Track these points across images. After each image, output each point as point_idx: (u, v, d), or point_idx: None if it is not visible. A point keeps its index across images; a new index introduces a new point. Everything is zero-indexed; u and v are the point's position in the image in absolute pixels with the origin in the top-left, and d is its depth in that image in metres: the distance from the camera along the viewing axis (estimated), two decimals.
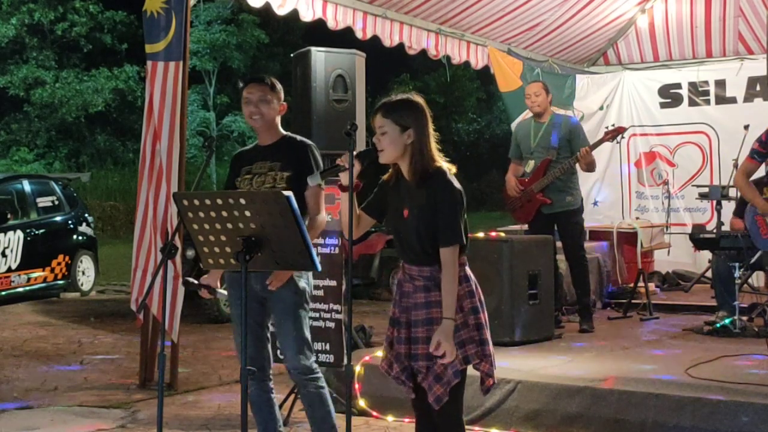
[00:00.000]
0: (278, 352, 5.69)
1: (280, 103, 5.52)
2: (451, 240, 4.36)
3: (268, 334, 5.47)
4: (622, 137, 9.37)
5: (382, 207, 4.64)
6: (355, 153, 4.43)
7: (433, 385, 4.36)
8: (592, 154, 8.77)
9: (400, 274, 4.58)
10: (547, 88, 9.09)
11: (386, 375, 4.62)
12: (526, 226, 9.33)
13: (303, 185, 5.15)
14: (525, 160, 8.98)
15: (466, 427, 4.64)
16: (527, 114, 11.40)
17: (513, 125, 12.32)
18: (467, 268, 4.49)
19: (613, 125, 9.57)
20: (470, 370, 4.49)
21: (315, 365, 5.38)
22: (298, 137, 5.55)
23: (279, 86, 5.55)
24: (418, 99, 4.57)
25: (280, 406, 6.11)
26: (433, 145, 4.49)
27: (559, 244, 8.98)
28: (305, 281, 5.36)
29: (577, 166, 8.78)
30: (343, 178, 4.44)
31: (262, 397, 5.40)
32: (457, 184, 4.43)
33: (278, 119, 5.53)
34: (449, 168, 4.49)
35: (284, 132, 5.56)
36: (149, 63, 8.12)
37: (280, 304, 5.30)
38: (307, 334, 5.36)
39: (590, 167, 8.89)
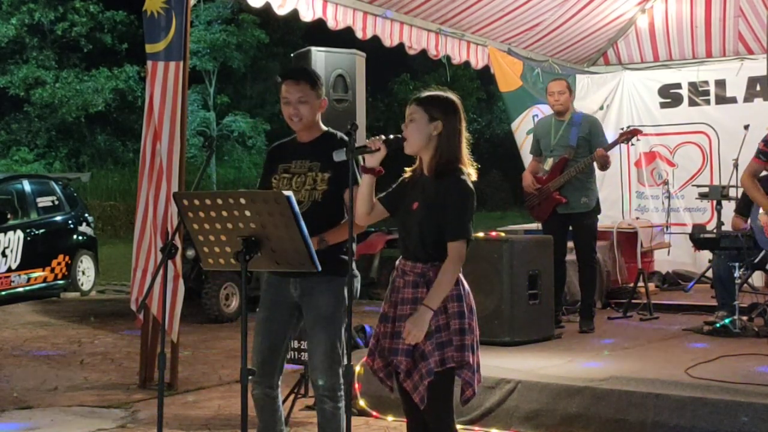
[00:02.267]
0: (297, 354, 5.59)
1: (320, 100, 5.28)
2: (458, 234, 4.35)
3: (288, 344, 5.28)
4: (638, 139, 9.37)
5: (397, 202, 4.61)
6: (383, 139, 4.42)
7: (418, 384, 4.34)
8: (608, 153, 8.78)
9: (395, 270, 4.58)
10: (571, 87, 9.08)
11: (369, 369, 4.60)
12: (531, 226, 9.33)
13: (343, 186, 4.95)
14: (544, 158, 8.98)
15: (466, 427, 4.64)
16: (529, 112, 11.42)
17: (513, 125, 12.36)
18: (460, 274, 4.46)
19: (628, 127, 9.56)
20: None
21: (341, 381, 5.06)
22: (339, 134, 5.26)
23: (320, 80, 5.32)
24: (455, 98, 4.56)
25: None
26: (464, 147, 4.49)
27: (570, 244, 8.98)
28: (348, 291, 4.93)
29: (595, 164, 8.78)
30: (368, 159, 4.43)
31: (266, 401, 5.21)
32: (470, 184, 4.43)
33: (319, 115, 5.29)
34: (470, 173, 4.47)
35: (324, 127, 5.32)
36: (149, 63, 8.11)
37: (316, 313, 5.07)
38: (340, 348, 5.07)
39: (605, 167, 8.86)
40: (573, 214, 8.79)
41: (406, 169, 4.63)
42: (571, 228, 8.89)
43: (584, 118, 9.04)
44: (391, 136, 4.49)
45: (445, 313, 4.36)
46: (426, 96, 4.52)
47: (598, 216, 9.09)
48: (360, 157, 4.58)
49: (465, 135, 4.51)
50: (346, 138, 5.12)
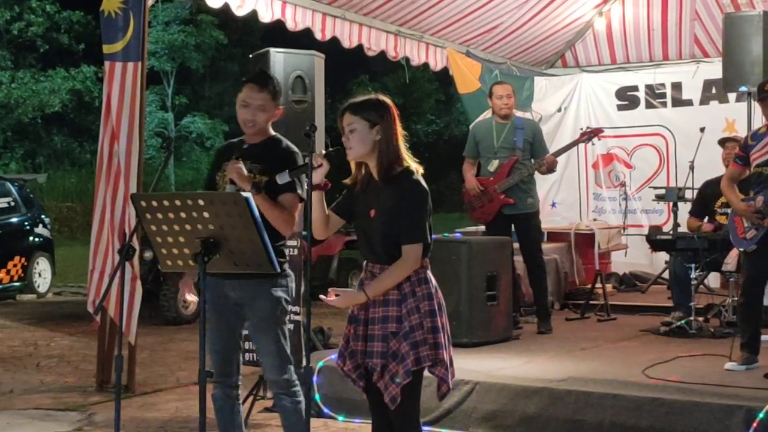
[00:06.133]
0: (244, 355, 5.62)
1: (277, 109, 5.29)
2: (413, 237, 4.37)
3: (240, 342, 5.32)
4: (599, 139, 9.47)
5: (351, 208, 4.63)
6: (324, 153, 4.44)
7: (388, 384, 4.35)
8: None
9: (363, 273, 4.58)
10: (514, 91, 9.21)
11: (340, 371, 4.62)
12: (483, 227, 9.37)
13: (279, 191, 5.01)
14: (488, 160, 9.01)
15: (425, 428, 4.65)
16: (486, 114, 11.46)
17: (472, 127, 12.39)
18: (429, 272, 4.49)
19: (588, 127, 9.67)
20: (428, 373, 4.49)
21: (294, 377, 5.21)
22: (284, 142, 5.31)
23: (280, 89, 5.34)
24: (385, 98, 4.58)
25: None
26: (402, 145, 4.50)
27: (516, 245, 9.03)
28: (283, 290, 5.16)
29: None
30: (312, 176, 4.44)
31: (226, 403, 5.25)
32: (423, 184, 4.45)
33: (270, 122, 5.31)
34: (417, 169, 4.50)
35: (272, 132, 5.33)
36: (107, 63, 8.07)
37: (256, 316, 5.14)
38: (287, 345, 5.18)
39: (551, 170, 9.05)
40: (520, 215, 8.87)
41: (345, 181, 4.64)
42: (515, 229, 8.96)
43: (526, 122, 9.26)
44: (332, 149, 4.51)
45: (417, 313, 4.38)
46: (360, 103, 4.51)
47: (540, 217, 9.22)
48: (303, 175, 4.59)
49: (401, 133, 4.53)
50: (292, 148, 5.26)
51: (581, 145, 9.44)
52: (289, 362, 5.20)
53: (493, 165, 8.96)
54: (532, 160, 8.87)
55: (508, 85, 9.30)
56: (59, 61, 34.83)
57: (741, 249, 7.13)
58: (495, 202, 8.86)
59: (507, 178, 8.80)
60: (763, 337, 7.47)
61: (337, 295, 4.44)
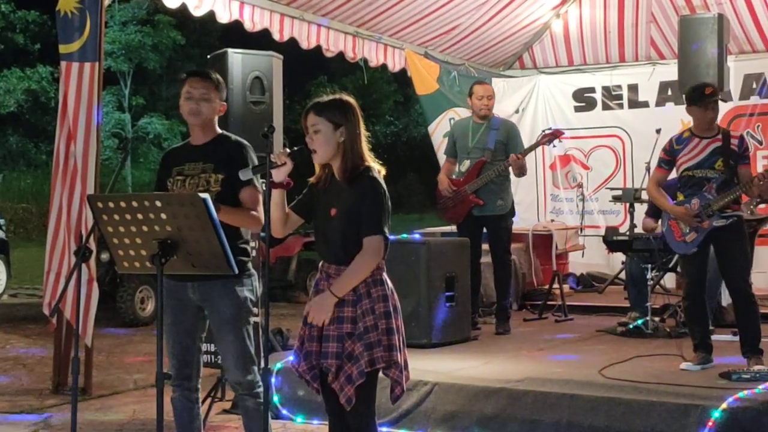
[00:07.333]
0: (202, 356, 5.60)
1: (221, 103, 5.30)
2: (374, 228, 4.36)
3: (200, 345, 5.29)
4: (560, 141, 9.48)
5: (311, 207, 4.62)
6: (288, 151, 4.43)
7: (344, 386, 4.35)
8: (524, 158, 8.88)
9: (318, 273, 4.57)
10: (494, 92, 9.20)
11: (295, 372, 4.60)
12: (448, 228, 9.38)
13: (238, 187, 5.03)
14: (461, 160, 9.01)
15: (384, 429, 4.65)
16: (445, 115, 11.49)
17: (430, 128, 12.41)
18: (384, 274, 4.48)
19: (549, 128, 9.69)
20: (383, 375, 4.48)
21: (258, 378, 5.16)
22: (233, 137, 5.33)
23: (223, 83, 5.35)
24: (350, 98, 4.59)
25: None
26: (365, 145, 4.51)
27: (485, 246, 9.03)
28: (248, 290, 5.15)
29: (510, 169, 8.86)
30: (275, 174, 4.42)
31: (185, 406, 5.22)
32: (382, 183, 4.45)
33: (216, 118, 5.32)
34: (379, 170, 4.50)
35: (219, 130, 5.35)
36: (63, 63, 8.01)
37: (219, 317, 5.10)
38: (250, 346, 5.15)
39: (522, 172, 8.97)
40: (488, 216, 8.86)
41: (310, 179, 4.63)
42: (486, 230, 8.97)
43: (502, 123, 9.15)
44: (296, 148, 4.50)
45: (372, 314, 4.37)
46: (325, 103, 4.52)
47: (513, 219, 9.19)
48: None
49: (364, 133, 4.54)
50: (242, 141, 5.27)
51: (545, 144, 9.42)
52: (254, 363, 5.18)
53: (465, 165, 8.95)
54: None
55: (489, 85, 9.28)
56: (14, 60, 34.54)
57: (681, 252, 7.17)
58: (465, 203, 8.86)
59: (476, 178, 8.80)
60: (717, 337, 7.56)
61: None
